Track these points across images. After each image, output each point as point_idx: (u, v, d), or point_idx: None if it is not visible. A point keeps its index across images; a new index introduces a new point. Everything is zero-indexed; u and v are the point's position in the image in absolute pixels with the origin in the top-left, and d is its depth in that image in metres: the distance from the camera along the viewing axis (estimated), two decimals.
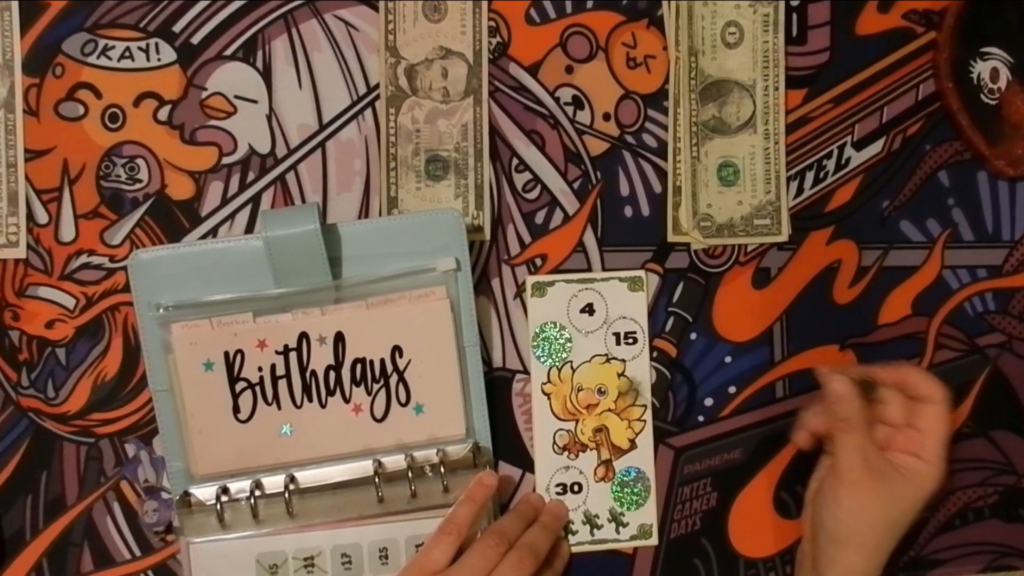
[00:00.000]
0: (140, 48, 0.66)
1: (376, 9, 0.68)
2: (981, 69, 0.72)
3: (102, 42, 0.66)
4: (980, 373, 0.74)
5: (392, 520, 0.63)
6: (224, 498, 0.63)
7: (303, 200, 0.67)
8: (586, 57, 0.70)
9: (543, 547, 0.64)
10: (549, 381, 0.69)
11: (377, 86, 0.68)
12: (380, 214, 0.68)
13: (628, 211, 0.70)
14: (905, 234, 0.73)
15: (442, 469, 0.63)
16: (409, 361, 0.64)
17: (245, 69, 0.67)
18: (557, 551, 0.68)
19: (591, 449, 0.70)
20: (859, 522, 0.62)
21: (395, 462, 0.64)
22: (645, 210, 0.71)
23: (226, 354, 0.62)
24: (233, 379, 0.63)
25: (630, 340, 0.70)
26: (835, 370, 0.64)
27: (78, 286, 0.66)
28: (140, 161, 0.66)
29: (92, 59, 0.66)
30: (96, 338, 0.66)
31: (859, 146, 0.72)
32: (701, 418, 0.71)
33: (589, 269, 0.70)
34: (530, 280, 0.69)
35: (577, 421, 0.69)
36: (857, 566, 0.62)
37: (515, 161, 0.69)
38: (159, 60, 0.66)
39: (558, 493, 0.69)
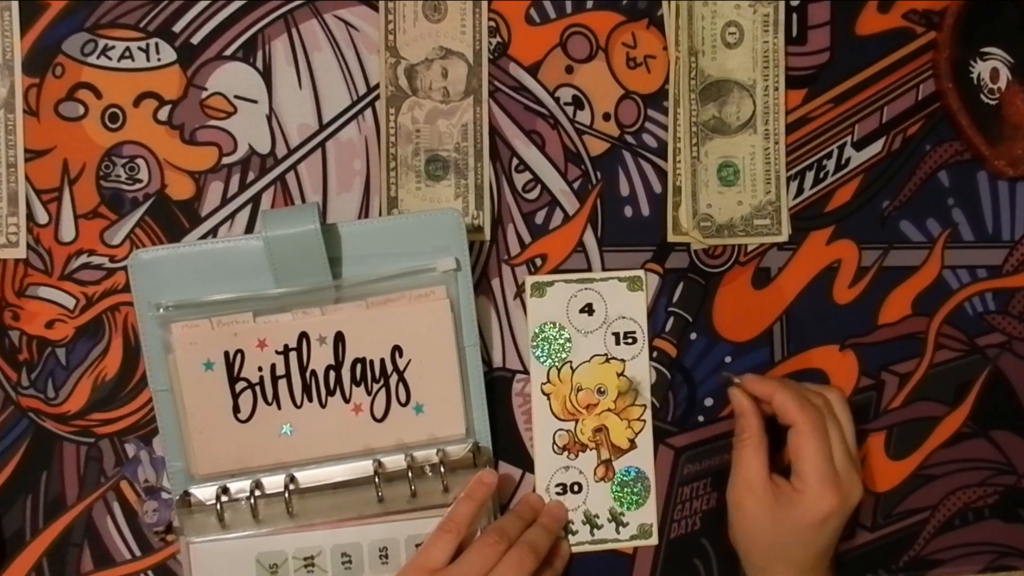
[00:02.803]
0: (140, 48, 0.66)
1: (376, 9, 0.68)
2: (981, 69, 0.72)
3: (102, 42, 0.66)
4: (980, 373, 0.74)
5: (392, 519, 0.63)
6: (224, 498, 0.63)
7: (303, 200, 0.67)
8: (586, 57, 0.70)
9: (543, 546, 0.64)
10: (549, 381, 0.69)
11: (377, 86, 0.68)
12: (380, 214, 0.68)
13: (628, 211, 0.70)
14: (905, 234, 0.73)
15: (442, 469, 0.63)
16: (409, 361, 0.64)
17: (245, 69, 0.67)
18: (557, 551, 0.68)
19: (591, 449, 0.70)
20: (757, 537, 0.64)
21: (395, 462, 0.64)
22: (645, 210, 0.71)
23: (226, 354, 0.62)
24: (233, 379, 0.63)
25: (630, 340, 0.70)
26: (743, 383, 0.66)
27: (78, 286, 0.66)
28: (140, 161, 0.66)
29: (92, 59, 0.66)
30: (96, 338, 0.66)
31: (859, 146, 0.72)
32: (701, 418, 0.71)
33: (589, 269, 0.70)
34: (529, 280, 0.69)
35: (577, 421, 0.69)
36: None
37: (515, 161, 0.69)
38: (159, 60, 0.66)
39: (558, 493, 0.69)
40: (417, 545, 0.63)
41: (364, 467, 0.64)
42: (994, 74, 0.72)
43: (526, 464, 0.69)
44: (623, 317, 0.70)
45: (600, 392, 0.69)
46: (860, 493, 0.64)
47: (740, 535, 0.65)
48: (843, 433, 0.65)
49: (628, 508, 0.70)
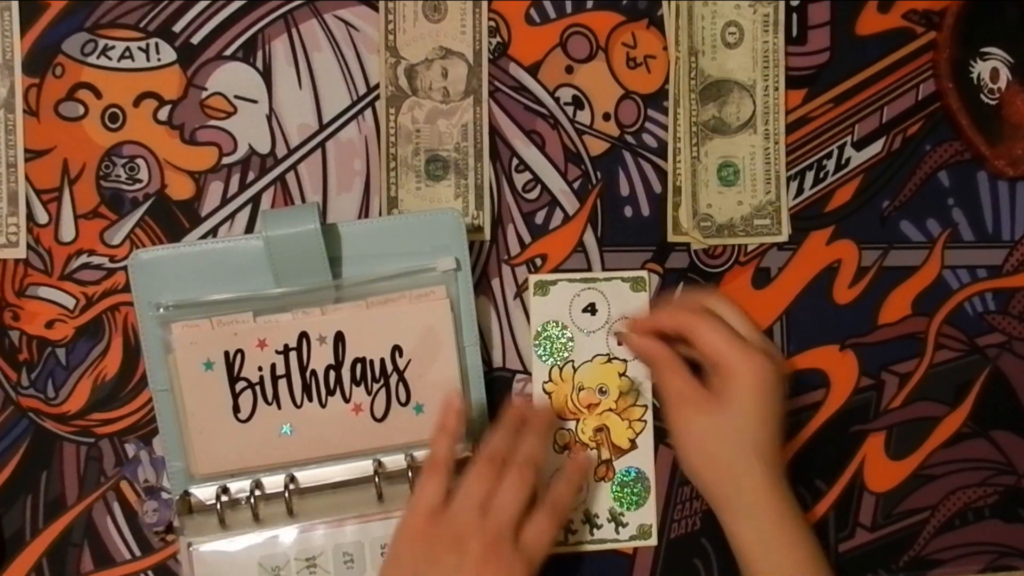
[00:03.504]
0: (140, 48, 0.66)
1: (376, 9, 0.68)
2: (981, 69, 0.72)
3: (102, 42, 0.66)
4: (980, 373, 0.74)
5: (393, 516, 0.63)
6: (224, 498, 0.63)
7: (303, 200, 0.67)
8: (586, 57, 0.70)
9: (540, 455, 0.62)
10: (550, 380, 0.69)
11: (377, 86, 0.68)
12: (380, 214, 0.68)
13: (628, 211, 0.70)
14: (905, 234, 0.73)
15: None
16: (409, 361, 0.64)
17: (245, 69, 0.67)
18: (575, 462, 0.66)
19: (591, 449, 0.70)
20: (714, 450, 0.62)
21: (395, 462, 0.64)
22: (645, 210, 0.71)
23: (226, 354, 0.62)
24: (233, 379, 0.63)
25: None
26: (632, 325, 0.66)
27: (78, 286, 0.66)
28: (140, 161, 0.66)
29: (92, 59, 0.66)
30: (96, 338, 0.66)
31: (859, 146, 0.72)
32: None
33: (589, 269, 0.70)
34: (532, 279, 0.69)
35: (578, 420, 0.69)
36: (752, 479, 0.61)
37: (515, 161, 0.69)
38: (159, 60, 0.66)
39: None
40: None
41: (364, 467, 0.64)
42: (994, 74, 0.73)
43: None
44: (626, 317, 0.70)
45: (601, 392, 0.69)
46: (784, 361, 0.64)
47: (698, 461, 0.63)
48: (739, 317, 0.64)
49: (628, 508, 0.70)
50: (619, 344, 0.69)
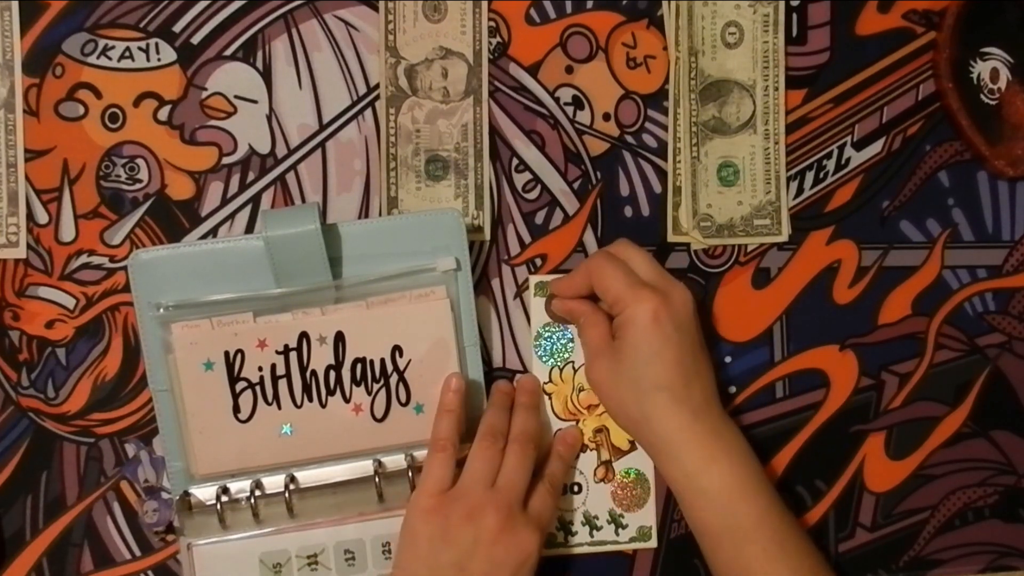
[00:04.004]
0: (140, 48, 0.66)
1: (376, 9, 0.68)
2: (981, 69, 0.72)
3: (102, 42, 0.66)
4: (980, 373, 0.74)
5: (394, 515, 0.63)
6: (224, 498, 0.63)
7: (303, 200, 0.67)
8: (586, 57, 0.70)
9: (535, 429, 0.65)
10: (551, 381, 0.69)
11: (377, 86, 0.68)
12: (380, 214, 0.68)
13: (628, 211, 0.70)
14: (905, 234, 0.73)
15: None
16: (409, 361, 0.64)
17: (245, 69, 0.67)
18: (564, 438, 0.68)
19: (591, 450, 0.69)
20: (626, 391, 0.63)
21: (395, 462, 0.64)
22: (645, 210, 0.71)
23: (226, 354, 0.62)
24: (233, 379, 0.63)
25: None
26: (555, 291, 0.67)
27: (78, 286, 0.66)
28: (140, 161, 0.66)
29: (92, 59, 0.66)
30: (96, 338, 0.66)
31: (859, 146, 0.72)
32: None
33: None
34: (533, 280, 0.69)
35: (578, 421, 0.69)
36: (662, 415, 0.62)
37: (515, 161, 0.69)
38: (159, 60, 0.66)
39: None
40: None
41: (364, 467, 0.64)
42: (994, 74, 0.72)
43: None
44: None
45: None
46: (684, 290, 0.63)
47: (614, 409, 0.65)
48: (641, 259, 0.64)
49: (628, 509, 0.70)
50: (552, 319, 0.69)
